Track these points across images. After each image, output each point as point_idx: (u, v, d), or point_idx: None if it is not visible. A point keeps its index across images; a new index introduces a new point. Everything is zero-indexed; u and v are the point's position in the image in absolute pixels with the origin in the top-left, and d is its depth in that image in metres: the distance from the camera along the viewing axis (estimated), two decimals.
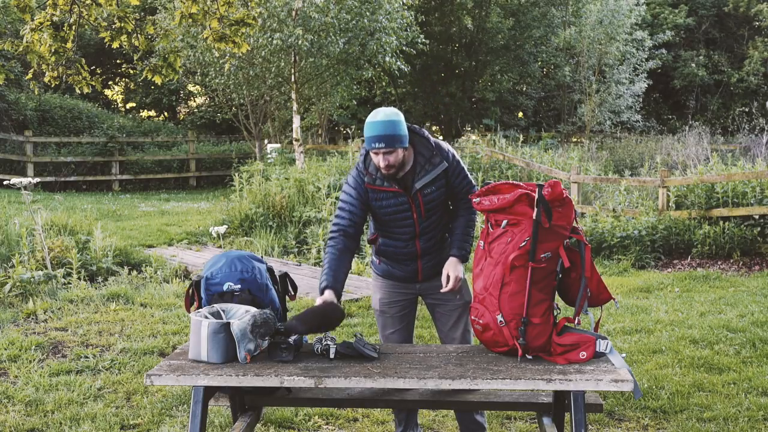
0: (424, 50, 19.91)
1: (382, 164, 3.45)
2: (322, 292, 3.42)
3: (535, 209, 3.10)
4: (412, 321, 3.90)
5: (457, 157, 3.65)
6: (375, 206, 3.59)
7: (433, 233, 3.64)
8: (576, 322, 3.23)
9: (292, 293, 3.66)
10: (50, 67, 6.38)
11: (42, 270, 7.57)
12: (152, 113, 26.88)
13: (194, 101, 27.07)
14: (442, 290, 3.56)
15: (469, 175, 3.66)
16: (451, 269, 3.54)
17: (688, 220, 9.95)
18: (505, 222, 3.18)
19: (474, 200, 3.30)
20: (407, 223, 3.59)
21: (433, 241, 3.65)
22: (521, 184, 3.24)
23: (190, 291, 3.45)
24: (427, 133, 3.62)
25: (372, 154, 3.48)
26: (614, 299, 3.27)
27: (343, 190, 3.64)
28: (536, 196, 3.11)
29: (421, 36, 18.44)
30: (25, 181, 8.28)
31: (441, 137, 23.05)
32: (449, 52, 25.45)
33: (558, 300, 3.31)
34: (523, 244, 3.11)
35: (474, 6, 24.48)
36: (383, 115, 3.44)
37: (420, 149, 3.56)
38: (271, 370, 3.05)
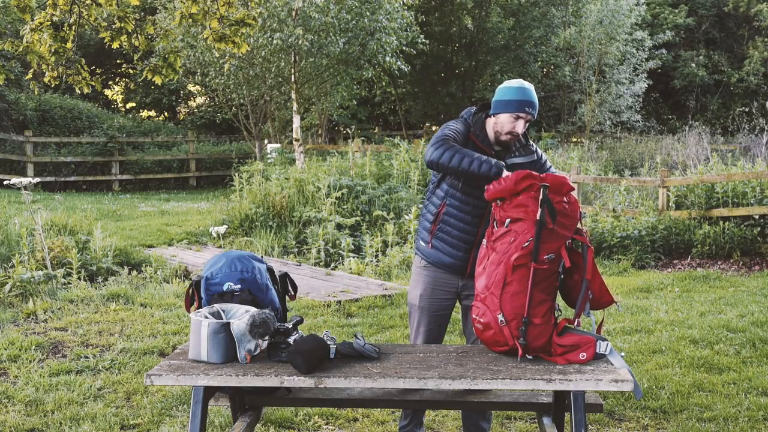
0: (424, 50, 19.91)
1: (518, 129, 3.55)
2: (499, 173, 3.33)
3: (539, 209, 3.10)
4: (445, 324, 3.84)
5: (546, 157, 3.77)
6: None
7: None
8: (575, 323, 3.23)
9: (292, 293, 3.66)
10: (50, 67, 6.38)
11: (42, 270, 7.57)
12: (152, 113, 26.88)
13: (194, 101, 27.07)
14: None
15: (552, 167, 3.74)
16: None
17: (688, 220, 9.96)
18: (508, 221, 3.18)
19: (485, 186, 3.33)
20: (483, 196, 3.51)
21: None
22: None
23: (190, 291, 3.45)
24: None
25: (508, 118, 3.55)
26: (616, 303, 3.27)
27: (449, 126, 3.60)
28: (541, 196, 3.11)
29: (421, 36, 18.44)
30: (25, 181, 8.28)
31: None
32: (449, 52, 25.45)
33: (559, 300, 3.31)
34: (526, 244, 3.11)
35: (474, 6, 24.48)
36: (528, 84, 3.61)
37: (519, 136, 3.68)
38: (271, 370, 3.05)
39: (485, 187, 3.31)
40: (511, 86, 3.60)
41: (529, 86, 3.62)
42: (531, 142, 3.73)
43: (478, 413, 3.85)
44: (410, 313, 3.86)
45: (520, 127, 3.56)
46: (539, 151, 3.72)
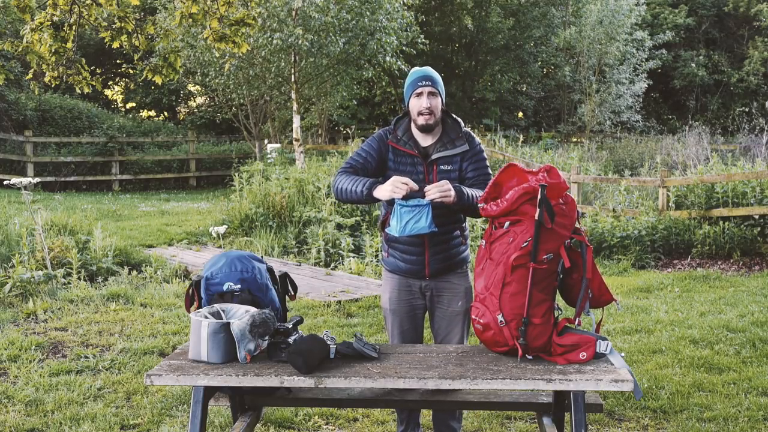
0: (424, 50, 19.91)
1: (424, 105, 3.57)
2: (372, 186, 3.45)
3: (537, 209, 3.10)
4: (420, 324, 3.86)
5: (483, 149, 3.72)
6: (391, 169, 3.65)
7: (441, 219, 3.57)
8: (576, 323, 3.23)
9: (292, 293, 3.66)
10: (50, 67, 6.38)
11: (42, 270, 7.57)
12: (152, 113, 26.87)
13: (194, 101, 27.06)
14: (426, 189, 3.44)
15: (489, 170, 3.68)
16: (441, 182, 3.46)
17: (688, 220, 9.96)
18: (507, 223, 3.18)
19: (480, 205, 3.30)
20: (418, 195, 3.54)
21: (441, 229, 3.56)
22: (518, 166, 3.26)
23: (190, 291, 3.44)
24: (460, 120, 3.76)
25: (414, 100, 3.62)
26: (616, 301, 3.26)
27: (363, 143, 3.74)
28: (539, 196, 3.10)
29: (421, 36, 18.44)
30: (25, 181, 8.28)
31: None
32: (449, 52, 25.47)
33: (559, 300, 3.31)
34: (525, 244, 3.11)
35: (474, 6, 24.51)
36: (424, 67, 3.73)
37: (448, 129, 3.69)
38: (271, 370, 3.05)
39: (481, 207, 3.28)
40: (412, 71, 3.71)
41: (424, 67, 3.72)
42: (467, 132, 3.70)
43: (448, 413, 3.85)
44: (385, 317, 3.91)
45: (424, 101, 3.57)
46: (475, 141, 3.68)
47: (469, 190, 3.50)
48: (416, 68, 3.70)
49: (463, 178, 3.63)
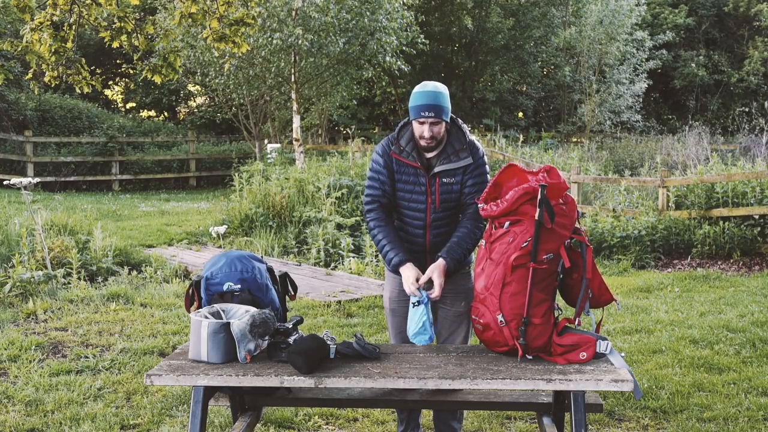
0: (424, 50, 19.92)
1: (426, 134, 3.52)
2: (398, 266, 3.50)
3: (537, 209, 3.10)
4: None
5: (486, 162, 3.68)
6: (395, 179, 3.65)
7: (442, 229, 3.62)
8: (576, 323, 3.23)
9: (292, 293, 3.66)
10: (50, 67, 6.38)
11: (42, 270, 7.57)
12: (152, 113, 26.87)
13: (194, 101, 27.05)
14: (429, 292, 3.50)
15: (488, 183, 3.63)
16: (436, 274, 3.47)
17: (688, 220, 9.96)
18: (507, 223, 3.18)
19: (480, 206, 3.29)
20: (420, 207, 3.59)
21: (441, 237, 3.62)
22: (518, 167, 3.27)
23: (190, 291, 3.45)
24: (466, 128, 3.69)
25: (416, 124, 3.55)
26: (616, 301, 3.26)
27: (372, 159, 3.72)
28: (539, 196, 3.10)
29: (421, 36, 18.44)
30: (25, 181, 8.27)
31: None
32: (449, 52, 25.47)
33: (559, 300, 3.31)
34: (525, 244, 3.11)
35: (474, 6, 24.51)
36: (433, 86, 3.56)
37: (452, 139, 3.63)
38: (271, 370, 3.05)
39: (481, 207, 3.29)
40: (415, 91, 3.57)
41: (432, 88, 3.53)
42: (471, 143, 3.63)
43: (449, 413, 3.85)
44: (386, 316, 3.91)
45: (426, 131, 3.50)
46: (479, 153, 3.63)
47: (459, 249, 3.53)
48: (423, 88, 3.55)
49: (463, 192, 3.62)
